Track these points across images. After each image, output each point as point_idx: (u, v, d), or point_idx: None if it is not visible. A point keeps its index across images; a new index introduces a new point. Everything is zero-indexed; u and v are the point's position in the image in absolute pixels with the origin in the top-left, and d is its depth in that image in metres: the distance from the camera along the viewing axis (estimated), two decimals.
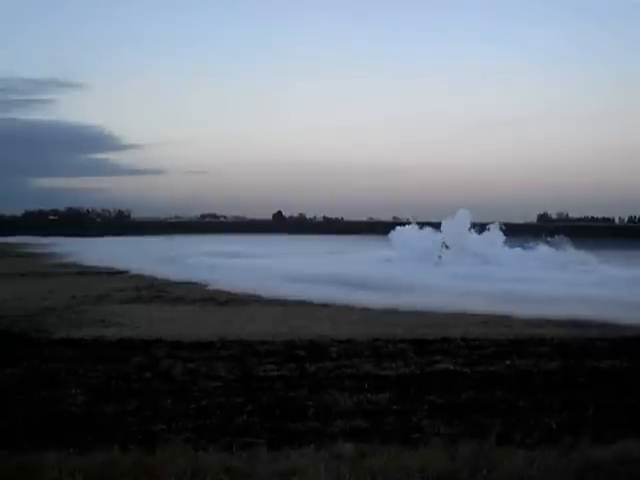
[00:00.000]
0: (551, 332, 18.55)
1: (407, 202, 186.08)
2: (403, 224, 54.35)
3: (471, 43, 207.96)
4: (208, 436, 8.53)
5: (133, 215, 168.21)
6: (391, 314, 22.26)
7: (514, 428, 8.42)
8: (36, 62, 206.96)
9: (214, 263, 42.81)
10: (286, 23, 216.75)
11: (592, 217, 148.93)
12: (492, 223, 48.78)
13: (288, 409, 10.21)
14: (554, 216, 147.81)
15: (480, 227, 48.43)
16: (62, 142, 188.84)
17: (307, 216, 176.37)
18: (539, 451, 6.44)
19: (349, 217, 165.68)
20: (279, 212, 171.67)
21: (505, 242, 46.78)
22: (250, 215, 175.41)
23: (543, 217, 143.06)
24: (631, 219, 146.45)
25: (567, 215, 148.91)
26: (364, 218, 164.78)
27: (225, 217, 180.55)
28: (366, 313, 22.82)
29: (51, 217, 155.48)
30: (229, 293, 28.56)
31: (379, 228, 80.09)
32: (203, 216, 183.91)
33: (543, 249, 44.22)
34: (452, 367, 13.62)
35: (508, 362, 14.08)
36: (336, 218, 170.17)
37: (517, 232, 52.86)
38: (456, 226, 47.50)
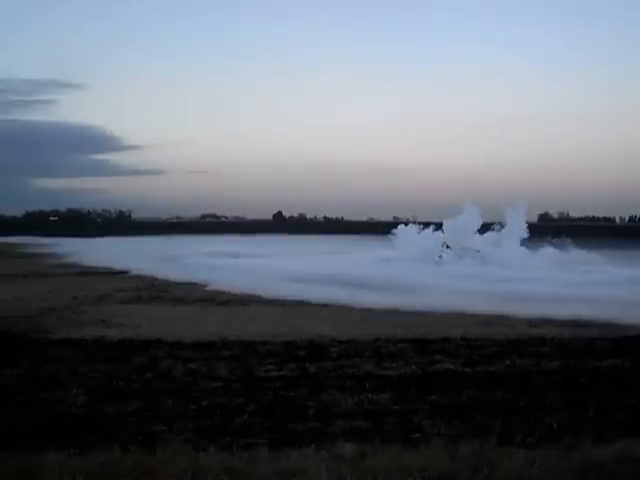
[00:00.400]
0: (552, 332, 18.54)
1: (407, 202, 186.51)
2: (403, 224, 54.19)
3: (471, 44, 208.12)
4: (209, 436, 8.52)
5: (134, 215, 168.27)
6: (391, 314, 22.24)
7: (515, 428, 8.42)
8: (36, 63, 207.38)
9: (214, 263, 42.84)
10: (286, 23, 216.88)
11: (593, 217, 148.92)
12: (495, 223, 48.64)
13: (289, 409, 10.21)
14: (555, 216, 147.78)
15: (483, 227, 48.31)
16: (62, 143, 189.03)
17: (307, 216, 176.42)
18: (540, 451, 6.44)
19: (349, 217, 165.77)
20: (279, 212, 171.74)
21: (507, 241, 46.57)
22: (250, 215, 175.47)
23: (544, 217, 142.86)
24: (632, 219, 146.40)
25: (568, 215, 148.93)
26: (364, 218, 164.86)
27: (225, 217, 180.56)
28: (366, 313, 22.82)
29: (52, 218, 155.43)
30: (229, 293, 28.56)
31: (379, 228, 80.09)
32: (203, 216, 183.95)
33: (546, 249, 44.17)
34: (453, 367, 13.62)
35: (509, 362, 14.07)
36: (336, 218, 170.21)
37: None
38: (462, 225, 47.16)
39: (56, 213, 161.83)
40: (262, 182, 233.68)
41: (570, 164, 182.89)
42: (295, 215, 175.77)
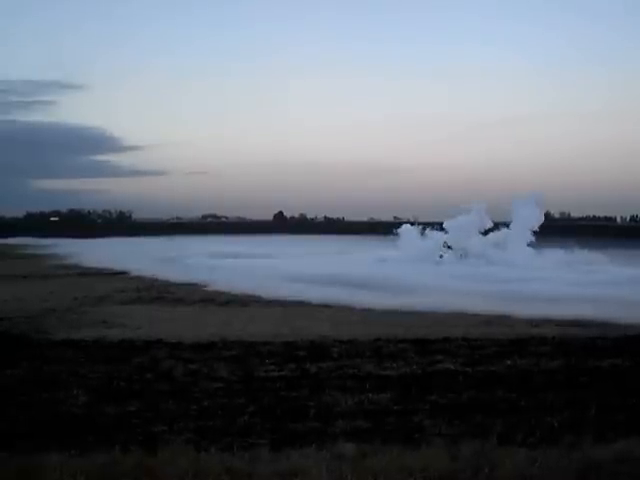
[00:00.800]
0: (553, 331, 18.53)
1: (408, 202, 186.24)
2: (406, 224, 54.01)
3: (471, 43, 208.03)
4: (209, 437, 8.52)
5: (134, 216, 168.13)
6: (392, 314, 22.23)
7: (515, 428, 8.42)
8: (36, 64, 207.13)
9: (215, 264, 42.81)
10: (286, 23, 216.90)
11: (594, 216, 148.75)
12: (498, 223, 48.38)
13: (289, 409, 10.21)
14: (556, 215, 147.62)
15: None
16: (63, 144, 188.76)
17: (308, 216, 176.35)
18: (541, 450, 6.44)
19: (350, 217, 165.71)
20: (280, 212, 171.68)
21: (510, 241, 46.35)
22: (251, 216, 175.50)
23: (546, 216, 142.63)
24: (633, 218, 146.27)
25: (569, 214, 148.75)
26: (365, 218, 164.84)
27: (226, 218, 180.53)
28: (367, 313, 22.81)
29: (52, 218, 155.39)
30: (230, 294, 28.55)
31: (380, 228, 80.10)
32: (204, 217, 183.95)
33: (549, 248, 44.07)
34: (453, 367, 13.61)
35: (509, 362, 14.06)
36: (337, 218, 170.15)
37: None
38: (465, 225, 46.93)
39: (56, 214, 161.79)
40: (263, 182, 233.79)
41: (571, 163, 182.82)
42: (296, 215, 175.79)
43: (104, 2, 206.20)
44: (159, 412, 10.13)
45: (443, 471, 5.62)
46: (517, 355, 14.73)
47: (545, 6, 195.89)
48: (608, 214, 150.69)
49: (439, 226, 48.54)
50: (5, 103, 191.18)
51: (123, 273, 40.06)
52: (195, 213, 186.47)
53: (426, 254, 44.50)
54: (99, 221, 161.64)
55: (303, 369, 13.37)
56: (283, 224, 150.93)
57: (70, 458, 6.30)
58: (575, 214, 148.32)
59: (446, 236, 47.13)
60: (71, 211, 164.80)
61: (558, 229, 47.75)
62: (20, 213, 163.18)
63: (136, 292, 29.70)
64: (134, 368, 13.45)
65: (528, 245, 45.61)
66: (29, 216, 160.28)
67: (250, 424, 9.47)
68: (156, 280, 35.32)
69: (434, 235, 48.04)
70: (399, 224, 54.73)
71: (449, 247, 46.38)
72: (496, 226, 47.86)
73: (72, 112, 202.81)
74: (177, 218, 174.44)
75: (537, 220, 47.32)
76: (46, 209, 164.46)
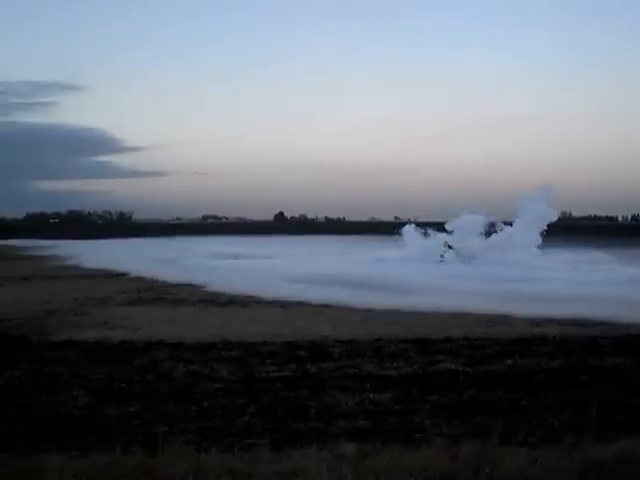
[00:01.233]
0: (554, 331, 18.52)
1: (408, 202, 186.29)
2: (409, 224, 53.86)
3: (471, 44, 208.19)
4: (210, 437, 8.50)
5: (135, 217, 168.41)
6: (393, 314, 22.21)
7: (516, 427, 8.39)
8: (37, 65, 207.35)
9: (215, 265, 42.80)
10: (286, 24, 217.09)
11: (595, 216, 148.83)
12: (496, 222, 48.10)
13: (290, 410, 10.20)
14: (558, 215, 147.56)
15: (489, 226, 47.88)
16: (63, 145, 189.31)
17: (309, 217, 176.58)
18: (542, 450, 6.42)
19: (351, 217, 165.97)
20: (281, 213, 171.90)
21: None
22: (251, 216, 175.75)
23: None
24: (634, 217, 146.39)
25: (570, 214, 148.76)
26: (365, 218, 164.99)
27: (227, 218, 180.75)
28: (368, 313, 22.79)
29: (52, 220, 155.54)
30: (230, 294, 28.52)
31: (381, 228, 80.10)
32: (204, 217, 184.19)
33: (552, 248, 43.96)
34: (454, 367, 13.60)
35: (510, 361, 14.05)
36: (338, 218, 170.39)
37: None
38: (468, 225, 46.75)
39: (57, 215, 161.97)
40: (263, 183, 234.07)
41: (572, 163, 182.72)
42: (296, 216, 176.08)
43: (104, 4, 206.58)
44: (160, 413, 10.13)
45: (444, 471, 5.60)
46: (518, 355, 14.72)
47: (545, 9, 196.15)
48: (609, 213, 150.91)
49: (442, 226, 48.43)
50: (5, 104, 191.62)
51: (123, 274, 40.03)
52: (195, 214, 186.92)
53: (430, 254, 44.46)
54: (99, 222, 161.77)
55: (304, 369, 13.36)
56: (284, 224, 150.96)
57: (70, 459, 6.28)
58: (576, 213, 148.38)
59: (450, 236, 46.98)
60: (71, 212, 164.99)
61: (559, 229, 47.47)
62: (20, 214, 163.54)
63: (136, 293, 29.69)
64: (135, 369, 13.44)
65: (535, 245, 45.26)
66: (29, 217, 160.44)
67: (251, 424, 9.46)
68: (156, 281, 35.29)
69: (438, 235, 47.89)
70: (400, 224, 54.70)
71: (450, 247, 46.35)
72: (494, 225, 47.60)
73: (72, 113, 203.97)
74: (177, 219, 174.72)
75: (546, 218, 46.82)
76: (46, 210, 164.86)
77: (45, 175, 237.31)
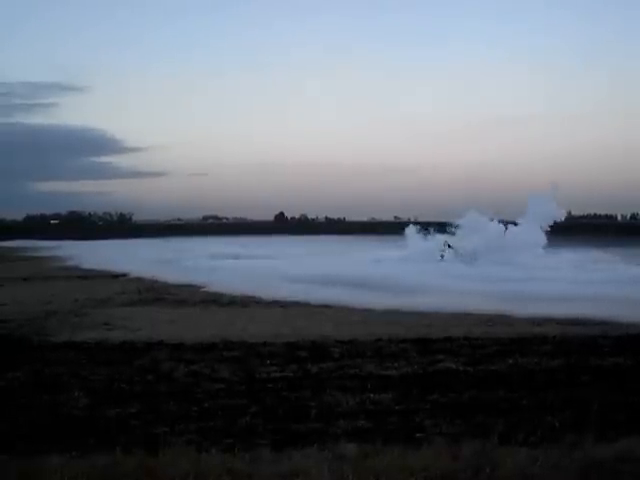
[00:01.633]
0: (554, 330, 18.51)
1: (408, 202, 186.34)
2: (403, 224, 53.81)
3: (471, 43, 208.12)
4: (211, 438, 8.51)
5: (135, 218, 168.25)
6: (393, 314, 22.21)
7: (517, 427, 8.39)
8: (38, 66, 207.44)
9: (216, 265, 42.78)
10: (287, 25, 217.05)
11: (595, 214, 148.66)
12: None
13: (291, 410, 10.21)
14: (566, 214, 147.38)
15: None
16: (64, 146, 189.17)
17: (309, 217, 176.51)
18: (542, 450, 6.42)
19: (351, 217, 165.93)
20: (281, 213, 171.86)
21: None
22: (252, 216, 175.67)
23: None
24: (633, 216, 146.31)
25: (570, 213, 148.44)
26: (365, 218, 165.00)
27: (227, 219, 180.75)
28: (368, 313, 22.78)
29: (53, 221, 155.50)
30: (231, 295, 28.53)
31: (381, 228, 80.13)
32: (205, 218, 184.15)
33: (554, 248, 43.84)
34: (454, 366, 13.60)
35: (511, 361, 14.05)
36: (338, 218, 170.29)
37: None
38: (471, 225, 46.54)
39: (57, 216, 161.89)
40: (263, 183, 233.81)
41: (571, 162, 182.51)
42: (297, 216, 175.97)
43: (105, 5, 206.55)
44: (160, 413, 10.13)
45: (444, 471, 5.61)
46: (518, 354, 14.72)
47: (546, 9, 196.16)
48: (609, 212, 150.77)
49: (443, 226, 48.33)
50: (6, 105, 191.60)
51: (124, 275, 40.05)
52: (196, 214, 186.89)
53: (431, 254, 44.41)
54: (100, 223, 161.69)
55: (304, 369, 13.36)
56: (284, 225, 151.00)
57: (71, 460, 6.28)
58: (575, 212, 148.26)
59: (454, 237, 46.85)
60: (71, 213, 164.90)
61: (559, 228, 47.32)
62: (20, 215, 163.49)
63: (137, 294, 29.69)
64: (135, 370, 13.44)
65: (541, 245, 45.05)
66: (29, 218, 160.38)
67: (251, 425, 9.46)
68: (157, 282, 35.28)
69: (439, 236, 47.74)
70: (400, 224, 54.66)
71: (449, 246, 46.33)
72: (505, 225, 47.31)
73: (73, 114, 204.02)
74: (178, 219, 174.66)
75: (554, 217, 46.63)
76: (47, 211, 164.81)
77: (45, 176, 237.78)
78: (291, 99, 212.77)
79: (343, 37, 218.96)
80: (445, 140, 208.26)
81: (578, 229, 68.72)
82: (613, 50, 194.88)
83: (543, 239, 45.54)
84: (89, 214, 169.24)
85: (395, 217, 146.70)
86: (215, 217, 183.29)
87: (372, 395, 11.11)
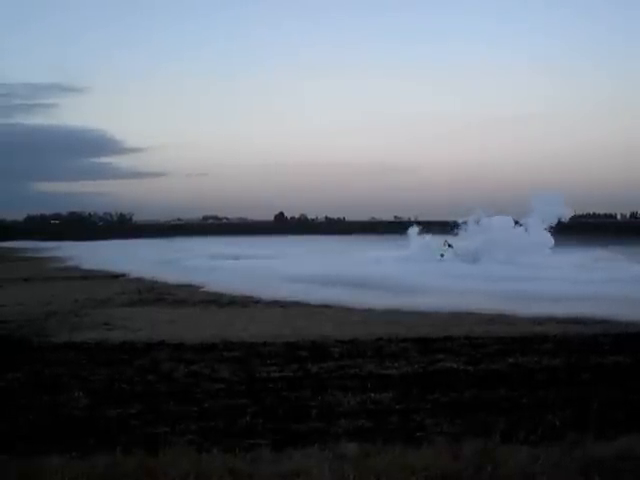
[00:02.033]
0: (555, 329, 18.51)
1: (408, 202, 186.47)
2: (403, 223, 53.73)
3: (471, 42, 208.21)
4: (211, 438, 8.50)
5: (135, 218, 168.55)
6: (393, 314, 22.19)
7: (517, 425, 8.38)
8: (38, 67, 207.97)
9: (216, 265, 42.76)
10: (287, 26, 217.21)
11: (594, 214, 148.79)
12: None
13: (291, 410, 10.20)
14: (571, 213, 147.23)
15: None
16: (64, 146, 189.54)
17: (309, 217, 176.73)
18: (543, 448, 6.41)
19: (351, 217, 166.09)
20: (281, 213, 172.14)
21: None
22: (252, 216, 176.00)
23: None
24: (633, 215, 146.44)
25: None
26: (366, 218, 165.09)
27: (227, 219, 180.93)
28: (368, 313, 22.77)
29: (53, 221, 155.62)
30: (231, 295, 28.51)
31: (381, 228, 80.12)
32: (205, 218, 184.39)
33: (555, 248, 43.74)
34: (455, 366, 13.60)
35: (511, 360, 14.04)
36: (338, 218, 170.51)
37: None
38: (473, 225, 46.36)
39: (57, 217, 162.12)
40: (263, 183, 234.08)
41: (571, 161, 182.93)
42: (297, 216, 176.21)
43: (105, 6, 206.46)
44: (161, 414, 10.12)
45: (445, 470, 5.60)
46: (519, 353, 14.71)
47: (546, 9, 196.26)
48: (608, 211, 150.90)
49: (444, 226, 48.23)
50: (7, 106, 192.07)
51: (124, 275, 40.04)
52: (196, 214, 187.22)
53: (431, 254, 44.37)
54: (100, 223, 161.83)
55: (305, 369, 13.36)
56: (284, 225, 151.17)
57: (71, 460, 6.28)
58: (576, 212, 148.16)
59: (456, 236, 46.73)
60: (72, 214, 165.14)
61: (559, 227, 47.20)
62: (21, 216, 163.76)
63: (137, 294, 29.67)
64: (135, 370, 13.44)
65: (548, 246, 44.89)
66: (30, 219, 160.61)
67: (252, 425, 9.46)
68: (157, 282, 35.25)
69: (442, 236, 47.64)
70: (400, 224, 54.62)
71: (449, 245, 46.29)
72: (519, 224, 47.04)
73: (73, 115, 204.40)
74: (178, 220, 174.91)
75: (560, 217, 46.47)
76: (47, 212, 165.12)
77: (45, 176, 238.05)
78: (291, 99, 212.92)
79: (343, 37, 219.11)
80: (445, 140, 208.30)
81: (578, 228, 68.59)
82: (613, 50, 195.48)
83: (550, 239, 45.36)
84: (89, 214, 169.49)
85: (395, 217, 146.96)
86: (215, 217, 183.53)
87: (373, 394, 11.10)
